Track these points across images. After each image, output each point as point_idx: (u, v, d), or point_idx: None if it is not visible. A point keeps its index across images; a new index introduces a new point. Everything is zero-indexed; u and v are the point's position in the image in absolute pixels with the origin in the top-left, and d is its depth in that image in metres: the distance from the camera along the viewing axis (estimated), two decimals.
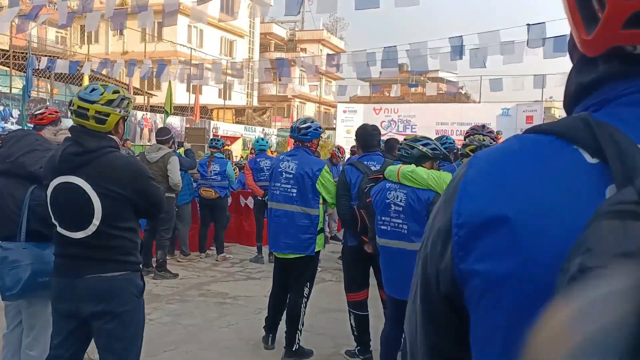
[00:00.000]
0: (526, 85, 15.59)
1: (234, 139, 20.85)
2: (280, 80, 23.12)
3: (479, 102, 23.96)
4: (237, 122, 24.83)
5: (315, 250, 4.02)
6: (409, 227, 3.21)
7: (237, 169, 8.58)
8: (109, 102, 2.36)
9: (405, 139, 3.49)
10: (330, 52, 38.80)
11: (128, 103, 2.45)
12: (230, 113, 25.70)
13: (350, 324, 4.13)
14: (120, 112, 2.39)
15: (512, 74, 16.85)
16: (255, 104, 33.08)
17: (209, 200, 7.39)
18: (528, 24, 7.90)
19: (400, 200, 3.25)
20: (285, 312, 4.17)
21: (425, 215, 3.16)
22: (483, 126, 3.82)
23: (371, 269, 4.12)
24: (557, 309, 0.40)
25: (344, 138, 22.59)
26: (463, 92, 33.41)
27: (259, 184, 7.41)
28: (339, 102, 25.52)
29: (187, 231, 7.46)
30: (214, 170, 7.45)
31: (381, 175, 3.91)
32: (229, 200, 8.19)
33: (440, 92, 28.81)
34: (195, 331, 4.68)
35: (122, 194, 2.32)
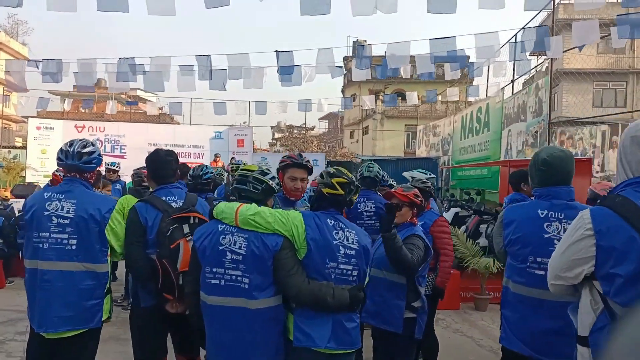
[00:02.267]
0: (249, 109, 16.16)
1: None
2: None
3: (190, 124, 23.73)
4: None
5: (102, 319, 2.95)
6: (250, 280, 2.58)
7: None
8: None
9: (245, 169, 2.81)
10: (9, 57, 33.21)
11: None
12: None
13: None
14: None
15: (220, 99, 17.26)
16: None
17: None
18: (277, 51, 8.04)
19: (240, 247, 2.59)
20: None
21: (271, 265, 2.60)
22: (300, 155, 3.47)
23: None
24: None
25: (38, 159, 19.29)
26: (167, 112, 32.77)
27: None
28: (29, 116, 21.71)
29: None
30: None
31: (186, 214, 3.17)
32: None
33: (161, 111, 27.66)
34: None
35: None
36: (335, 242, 2.62)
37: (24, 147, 20.79)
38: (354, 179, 2.78)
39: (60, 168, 3.14)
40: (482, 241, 7.63)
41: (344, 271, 2.63)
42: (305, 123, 28.37)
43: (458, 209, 8.82)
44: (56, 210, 2.82)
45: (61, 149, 2.95)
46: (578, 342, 1.93)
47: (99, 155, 3.03)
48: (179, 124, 27.60)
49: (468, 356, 5.21)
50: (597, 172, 10.60)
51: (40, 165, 19.22)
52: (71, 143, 2.96)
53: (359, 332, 2.78)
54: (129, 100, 32.58)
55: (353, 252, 2.65)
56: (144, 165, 7.71)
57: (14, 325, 5.83)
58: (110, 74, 9.98)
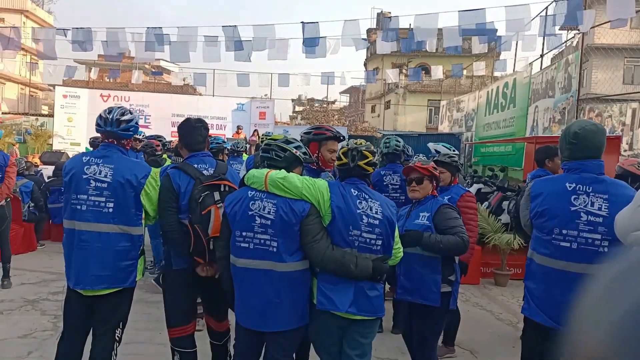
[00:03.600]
0: (271, 81, 16.13)
1: None
2: None
3: (213, 95, 23.78)
4: None
5: (136, 279, 3.08)
6: (279, 243, 2.68)
7: None
8: None
9: (269, 138, 2.91)
10: (36, 25, 33.58)
11: None
12: None
13: None
14: None
15: (243, 71, 17.23)
16: None
17: None
18: (303, 22, 7.99)
19: (269, 212, 2.68)
20: None
21: (298, 230, 2.68)
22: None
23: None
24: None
25: (65, 127, 19.64)
26: (190, 84, 32.77)
27: None
28: (55, 84, 22.01)
29: None
30: None
31: (217, 182, 3.25)
32: None
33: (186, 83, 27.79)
34: None
35: None
36: (358, 211, 2.70)
37: (51, 115, 21.12)
38: (358, 146, 2.82)
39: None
40: (505, 217, 7.61)
41: (368, 240, 2.71)
42: (327, 96, 28.26)
43: (481, 185, 8.78)
44: (94, 174, 2.93)
45: (100, 116, 3.04)
46: None
47: (136, 123, 3.12)
48: (201, 95, 27.73)
49: (487, 329, 5.27)
50: (625, 150, 10.40)
51: (67, 133, 19.58)
52: (110, 110, 3.06)
53: (382, 301, 2.84)
54: (153, 70, 32.76)
55: (377, 222, 2.72)
56: (156, 134, 8.08)
57: (47, 286, 6.08)
58: (137, 44, 10.03)
